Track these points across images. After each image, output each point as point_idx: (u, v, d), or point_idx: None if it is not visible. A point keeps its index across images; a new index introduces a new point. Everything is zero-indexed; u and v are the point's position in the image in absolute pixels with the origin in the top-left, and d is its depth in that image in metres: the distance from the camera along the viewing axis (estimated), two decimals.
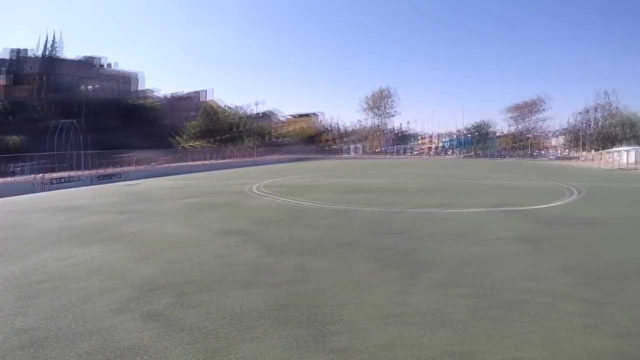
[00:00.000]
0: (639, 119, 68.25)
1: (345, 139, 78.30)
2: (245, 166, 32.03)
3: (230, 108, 70.48)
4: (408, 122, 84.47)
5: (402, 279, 4.48)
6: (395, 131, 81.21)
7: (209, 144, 53.38)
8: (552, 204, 10.65)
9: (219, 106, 69.14)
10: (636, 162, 36.00)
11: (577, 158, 60.73)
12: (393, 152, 57.22)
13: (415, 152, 68.60)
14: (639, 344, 3.03)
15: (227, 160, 36.30)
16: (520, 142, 76.99)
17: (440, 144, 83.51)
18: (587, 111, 77.64)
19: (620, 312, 3.60)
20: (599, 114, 75.78)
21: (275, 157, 45.35)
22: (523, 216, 8.78)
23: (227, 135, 60.61)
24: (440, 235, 6.76)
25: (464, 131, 79.92)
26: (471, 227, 7.44)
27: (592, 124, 76.83)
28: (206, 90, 72.95)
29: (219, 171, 26.87)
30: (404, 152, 63.83)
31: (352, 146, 57.31)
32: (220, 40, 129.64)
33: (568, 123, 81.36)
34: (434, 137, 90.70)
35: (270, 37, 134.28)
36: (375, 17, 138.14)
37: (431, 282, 4.40)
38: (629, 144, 54.63)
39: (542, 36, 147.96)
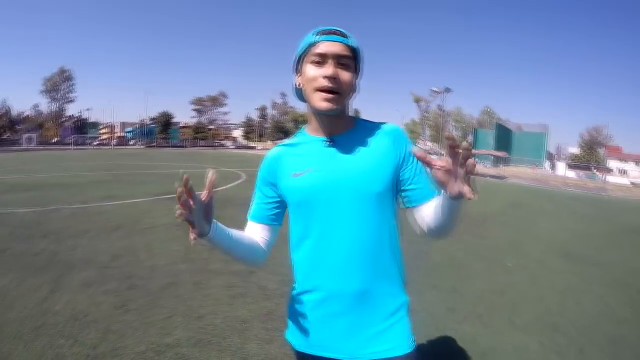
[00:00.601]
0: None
1: (17, 127, 63.76)
2: None
3: None
4: (88, 109, 76.16)
5: (47, 284, 4.07)
6: (75, 119, 71.55)
7: None
8: (219, 188, 11.94)
9: None
10: None
11: (255, 147, 69.34)
12: (71, 143, 50.39)
13: (96, 143, 62.69)
14: (278, 302, 3.71)
15: None
16: (202, 132, 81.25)
17: (123, 134, 79.20)
18: (265, 107, 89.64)
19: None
20: (275, 111, 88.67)
21: None
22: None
23: None
24: (96, 230, 6.44)
25: (148, 121, 78.52)
26: (131, 218, 7.41)
27: (268, 118, 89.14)
28: None
29: None
30: (84, 142, 57.10)
31: (24, 136, 46.96)
32: None
33: (247, 117, 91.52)
34: (116, 126, 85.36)
35: None
36: None
37: (79, 282, 4.17)
38: None
39: (222, 35, 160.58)
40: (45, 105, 68.92)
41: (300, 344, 1.27)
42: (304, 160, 1.25)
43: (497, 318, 3.98)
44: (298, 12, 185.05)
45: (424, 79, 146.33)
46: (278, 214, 1.35)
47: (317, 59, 1.16)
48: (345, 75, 1.16)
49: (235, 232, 1.26)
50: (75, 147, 48.87)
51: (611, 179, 44.92)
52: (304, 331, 1.26)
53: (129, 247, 5.48)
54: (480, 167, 42.41)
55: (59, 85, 66.87)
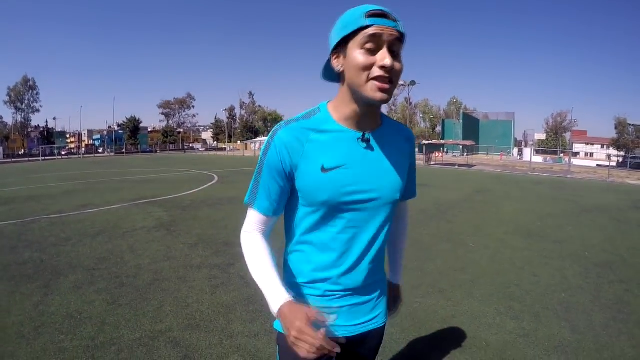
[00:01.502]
0: (278, 115, 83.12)
1: None
2: None
3: None
4: (54, 119, 74.14)
5: (39, 290, 4.24)
6: (41, 129, 69.79)
7: None
8: (192, 191, 12.25)
9: None
10: None
11: (225, 149, 68.96)
12: (39, 154, 49.01)
13: (64, 153, 61.10)
14: (258, 288, 4.03)
15: None
16: (171, 136, 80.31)
17: (91, 142, 77.57)
18: (233, 108, 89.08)
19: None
20: (244, 111, 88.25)
21: None
22: (161, 205, 9.63)
23: None
24: (77, 237, 6.58)
25: (116, 127, 77.16)
26: (110, 224, 7.57)
27: (237, 119, 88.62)
28: None
29: None
30: (52, 152, 55.60)
31: None
32: None
33: (216, 118, 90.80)
34: (84, 134, 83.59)
35: None
36: None
37: (69, 286, 4.36)
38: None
39: (190, 38, 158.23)
40: (10, 117, 66.76)
41: None
42: (334, 154, 1.14)
43: (458, 292, 4.39)
44: (260, 8, 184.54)
45: None
46: (284, 204, 1.25)
47: (369, 45, 1.03)
48: (397, 65, 1.06)
49: (276, 270, 1.16)
50: (43, 158, 47.67)
51: (577, 162, 46.64)
52: None
53: (113, 251, 5.69)
54: (449, 157, 43.42)
55: (23, 95, 64.66)
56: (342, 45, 1.09)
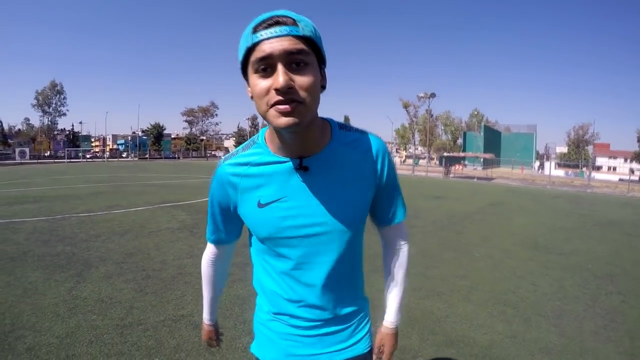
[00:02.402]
0: None
1: (10, 141, 63.31)
2: None
3: None
4: (81, 123, 76.24)
5: (72, 278, 4.71)
6: (67, 132, 71.59)
7: None
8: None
9: None
10: None
11: None
12: (65, 156, 50.65)
13: (89, 156, 62.84)
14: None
15: None
16: (194, 143, 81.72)
17: (115, 146, 79.52)
18: (255, 117, 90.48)
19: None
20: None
21: None
22: (185, 209, 10.16)
23: None
24: (106, 234, 7.08)
25: (140, 133, 78.97)
26: (136, 224, 8.07)
27: (259, 127, 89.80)
28: None
29: None
30: (77, 155, 57.26)
31: (17, 150, 46.97)
32: None
33: (238, 127, 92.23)
34: (108, 138, 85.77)
35: None
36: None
37: (99, 275, 4.84)
38: None
39: (215, 47, 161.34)
40: (37, 119, 69.00)
41: (270, 355, 1.23)
42: (270, 187, 1.08)
43: (455, 296, 4.68)
44: None
45: (414, 84, 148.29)
46: (239, 229, 1.28)
47: (261, 65, 0.90)
48: (303, 79, 0.90)
49: (213, 293, 1.45)
50: (68, 160, 49.18)
51: (599, 176, 45.83)
52: (272, 346, 1.22)
53: (139, 247, 6.19)
54: (469, 170, 43.26)
55: (50, 98, 66.79)
56: (245, 71, 0.97)
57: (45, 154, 58.34)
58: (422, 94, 52.49)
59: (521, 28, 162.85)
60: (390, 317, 1.30)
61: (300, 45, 0.89)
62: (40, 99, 66.05)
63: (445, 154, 41.00)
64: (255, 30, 0.90)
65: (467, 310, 4.25)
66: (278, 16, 0.89)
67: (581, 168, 44.35)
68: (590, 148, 73.16)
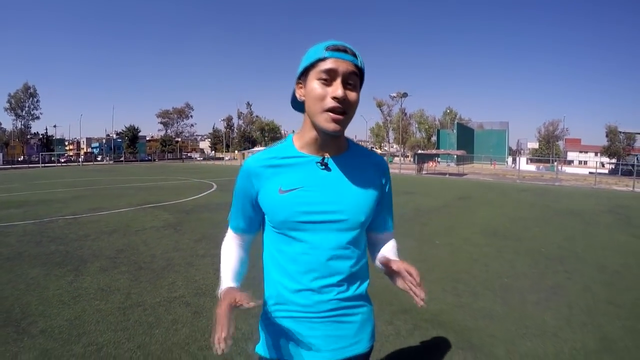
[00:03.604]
0: (275, 125, 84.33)
1: None
2: None
3: None
4: (55, 126, 74.74)
5: (70, 272, 5.15)
6: (41, 136, 70.24)
7: None
8: (193, 197, 13.36)
9: None
10: None
11: (223, 158, 69.77)
12: (39, 161, 49.82)
13: (63, 160, 61.75)
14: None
15: None
16: (169, 145, 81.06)
17: (90, 150, 78.30)
18: (231, 118, 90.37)
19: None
20: (241, 121, 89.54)
21: None
22: (166, 209, 10.65)
23: None
24: (95, 234, 7.50)
25: (114, 135, 77.96)
26: (122, 224, 8.51)
27: (235, 128, 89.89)
28: None
29: None
30: (51, 159, 56.17)
31: None
32: None
33: (214, 128, 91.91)
34: (82, 142, 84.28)
35: None
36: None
37: (95, 269, 5.30)
38: (266, 145, 69.33)
39: (189, 48, 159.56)
40: (10, 123, 67.41)
41: (276, 353, 1.28)
42: (292, 177, 1.20)
43: None
44: (257, 20, 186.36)
45: (387, 83, 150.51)
46: (258, 223, 1.35)
47: (325, 76, 1.11)
48: (352, 96, 1.13)
49: (237, 266, 1.35)
50: (43, 165, 48.44)
51: (570, 170, 47.40)
52: (279, 344, 1.27)
53: (129, 244, 6.66)
54: (443, 166, 44.31)
55: (23, 102, 65.13)
56: (304, 76, 1.17)
57: (19, 159, 57.25)
58: (394, 94, 53.51)
59: (492, 28, 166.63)
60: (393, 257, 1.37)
61: (356, 71, 1.13)
62: (13, 102, 64.38)
63: (419, 151, 41.88)
64: (327, 48, 1.11)
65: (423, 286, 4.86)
66: (346, 46, 1.13)
67: (552, 163, 45.81)
68: (561, 143, 75.51)
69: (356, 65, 1.13)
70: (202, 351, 3.19)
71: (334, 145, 1.23)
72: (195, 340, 3.38)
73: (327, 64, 1.11)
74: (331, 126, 1.12)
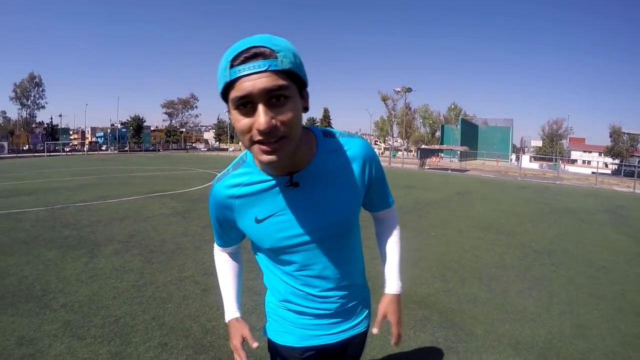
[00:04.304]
0: None
1: None
2: None
3: None
4: (60, 116, 74.99)
5: (85, 255, 5.52)
6: (46, 125, 70.20)
7: None
8: (199, 187, 13.79)
9: None
10: None
11: (227, 149, 70.01)
12: (44, 150, 50.28)
13: (68, 149, 62.08)
14: None
15: None
16: (174, 136, 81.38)
17: (95, 139, 78.76)
18: None
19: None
20: None
21: None
22: (174, 198, 11.08)
23: None
24: (106, 220, 7.90)
25: (119, 125, 78.35)
26: (132, 211, 8.90)
27: None
28: None
29: None
30: (56, 148, 56.53)
31: None
32: None
33: (218, 119, 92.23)
34: (87, 131, 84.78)
35: None
36: None
37: (109, 252, 5.69)
38: None
39: (194, 38, 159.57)
40: (15, 112, 67.82)
41: (285, 338, 1.31)
42: (264, 204, 1.12)
43: (406, 263, 5.52)
44: (264, 11, 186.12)
45: (393, 77, 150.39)
46: (242, 235, 1.30)
47: (242, 102, 0.88)
48: (285, 115, 0.88)
49: (235, 286, 1.42)
50: (48, 154, 48.88)
51: (573, 169, 47.35)
52: (284, 330, 1.31)
53: (139, 230, 7.07)
54: (446, 162, 44.49)
55: (29, 91, 65.35)
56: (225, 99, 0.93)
57: (24, 148, 57.63)
58: (399, 89, 53.70)
59: (500, 24, 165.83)
60: (393, 285, 1.37)
61: (279, 82, 0.86)
62: (19, 91, 64.54)
63: (423, 146, 42.06)
64: (232, 64, 0.86)
65: (414, 273, 5.22)
66: (256, 47, 0.86)
67: (555, 161, 45.94)
68: (565, 142, 75.42)
69: (277, 71, 0.87)
70: (211, 322, 3.58)
71: (295, 158, 1.05)
72: (204, 313, 3.77)
73: (237, 90, 0.87)
74: (265, 158, 0.92)
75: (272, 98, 0.87)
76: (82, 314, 3.68)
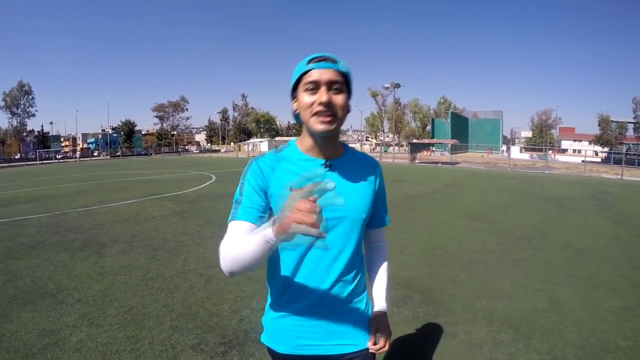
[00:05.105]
0: (270, 116, 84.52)
1: None
2: None
3: None
4: (51, 123, 74.53)
5: (92, 255, 5.87)
6: (37, 133, 69.94)
7: None
8: (194, 188, 14.29)
9: None
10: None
11: (219, 150, 70.14)
12: (36, 158, 50.13)
13: (60, 156, 61.76)
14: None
15: None
16: (165, 139, 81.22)
17: (86, 145, 78.41)
18: (226, 110, 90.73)
19: None
20: (237, 113, 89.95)
21: None
22: (170, 200, 11.49)
23: None
24: (108, 223, 8.24)
25: (110, 130, 78.10)
26: (132, 214, 9.26)
27: (230, 121, 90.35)
28: None
29: None
30: (48, 156, 56.18)
31: None
32: None
33: (209, 121, 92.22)
34: (78, 138, 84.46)
35: None
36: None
37: (115, 251, 6.05)
38: (262, 137, 69.55)
39: (183, 42, 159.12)
40: (5, 121, 67.56)
41: (281, 347, 1.35)
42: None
43: (392, 250, 5.94)
44: (251, 13, 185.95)
45: (382, 73, 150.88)
46: (265, 218, 1.28)
47: (310, 86, 1.21)
48: (338, 99, 1.21)
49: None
50: (40, 162, 48.75)
51: (563, 158, 47.90)
52: (285, 336, 1.35)
53: (141, 230, 7.44)
54: (437, 156, 44.96)
55: (18, 99, 65.50)
56: (295, 92, 1.27)
57: (15, 157, 57.34)
58: (387, 85, 54.14)
59: (487, 16, 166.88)
60: (382, 302, 1.46)
61: (338, 77, 1.21)
62: (8, 100, 64.61)
63: (414, 140, 42.47)
64: (309, 61, 1.21)
65: (400, 259, 5.64)
66: (327, 56, 1.22)
67: (545, 151, 46.50)
68: (554, 132, 76.24)
69: (338, 71, 1.22)
70: (216, 306, 4.01)
71: (333, 148, 1.32)
72: (210, 299, 4.20)
73: (311, 76, 1.20)
74: (320, 127, 1.20)
75: (331, 87, 1.21)
76: (96, 307, 4.04)
